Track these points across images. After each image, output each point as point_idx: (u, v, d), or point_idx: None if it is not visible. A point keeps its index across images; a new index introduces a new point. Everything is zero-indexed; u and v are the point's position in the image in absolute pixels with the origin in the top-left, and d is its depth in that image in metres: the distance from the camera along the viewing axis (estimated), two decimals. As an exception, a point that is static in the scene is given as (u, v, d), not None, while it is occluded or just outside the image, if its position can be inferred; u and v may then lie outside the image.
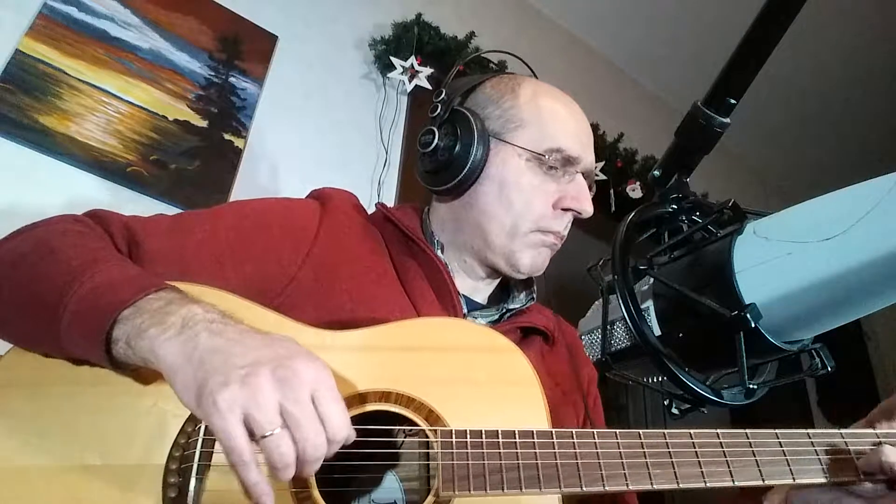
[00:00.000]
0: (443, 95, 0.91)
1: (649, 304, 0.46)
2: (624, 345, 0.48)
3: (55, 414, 0.59)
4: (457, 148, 0.86)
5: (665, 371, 0.43)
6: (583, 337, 0.53)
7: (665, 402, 0.47)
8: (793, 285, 0.40)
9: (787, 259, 0.40)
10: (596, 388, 0.97)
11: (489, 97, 0.91)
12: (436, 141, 0.87)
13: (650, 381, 0.49)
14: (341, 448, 0.54)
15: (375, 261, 0.84)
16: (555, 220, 0.86)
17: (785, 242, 0.41)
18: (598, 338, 0.50)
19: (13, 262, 0.64)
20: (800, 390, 2.91)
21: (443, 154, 0.87)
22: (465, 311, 0.86)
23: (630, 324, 0.44)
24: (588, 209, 0.86)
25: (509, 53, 1.11)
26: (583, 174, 0.88)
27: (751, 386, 0.43)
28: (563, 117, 0.89)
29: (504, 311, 0.90)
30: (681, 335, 0.45)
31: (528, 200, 0.85)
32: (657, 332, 0.45)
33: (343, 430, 0.52)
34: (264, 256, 0.77)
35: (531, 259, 0.87)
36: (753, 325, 0.39)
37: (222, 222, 0.79)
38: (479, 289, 0.93)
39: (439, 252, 0.89)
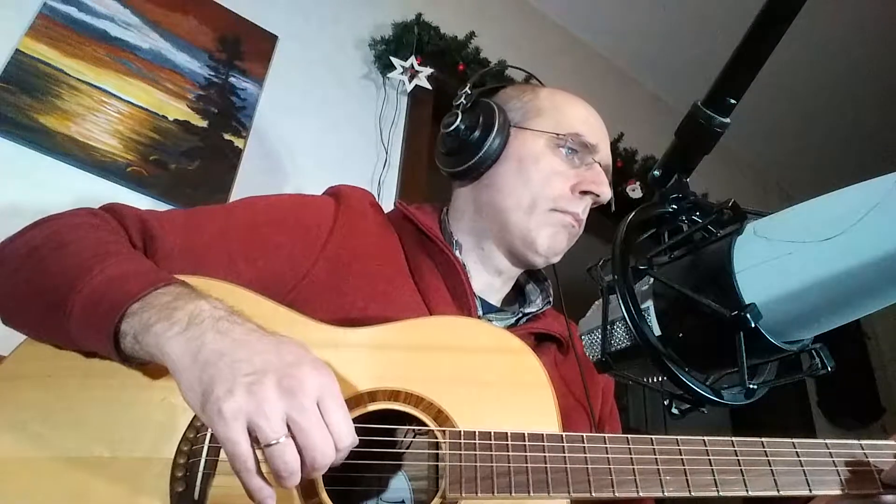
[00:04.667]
0: (467, 88, 0.93)
1: (649, 304, 0.46)
2: (624, 345, 0.48)
3: (66, 406, 0.60)
4: (478, 129, 0.88)
5: (665, 371, 0.43)
6: (583, 337, 0.53)
7: (665, 402, 0.47)
8: (793, 285, 0.39)
9: (787, 259, 0.40)
10: (612, 397, 0.96)
11: (510, 95, 0.96)
12: (458, 122, 0.88)
13: (650, 381, 0.49)
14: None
15: (390, 259, 0.84)
16: (573, 202, 0.87)
17: (785, 242, 0.40)
18: (598, 338, 0.50)
19: (27, 254, 0.65)
20: (800, 390, 2.91)
21: (464, 134, 0.88)
22: (480, 313, 0.86)
23: (630, 324, 0.44)
24: (607, 193, 0.89)
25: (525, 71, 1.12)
26: (600, 165, 0.91)
27: (751, 386, 0.42)
28: (580, 108, 0.94)
29: (520, 314, 0.90)
30: (681, 335, 0.44)
31: (547, 178, 0.87)
32: (657, 332, 0.45)
33: (347, 438, 0.52)
34: (277, 252, 0.76)
35: (549, 238, 0.87)
36: (753, 325, 0.39)
37: (236, 218, 0.79)
38: (494, 287, 0.92)
39: (457, 252, 0.88)
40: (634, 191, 2.35)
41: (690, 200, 0.50)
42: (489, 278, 0.91)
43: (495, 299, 0.93)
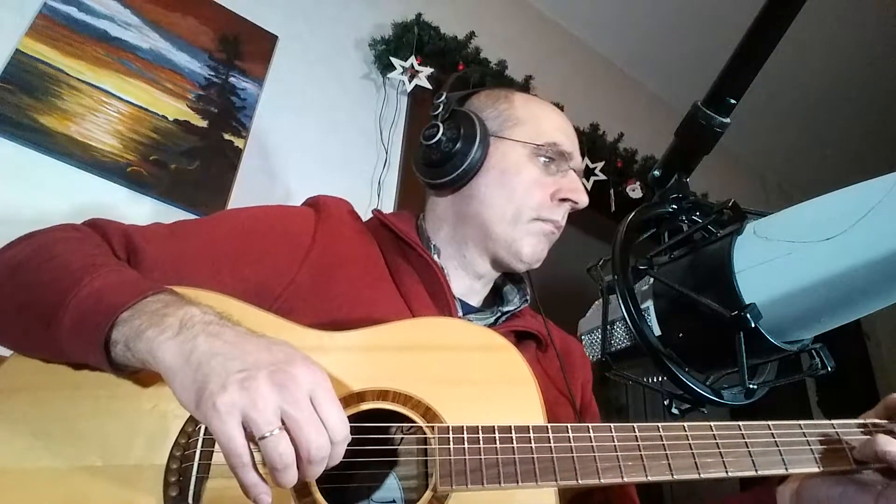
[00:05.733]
0: (443, 97, 0.94)
1: (649, 304, 0.46)
2: (624, 345, 0.48)
3: (57, 417, 0.60)
4: (460, 140, 0.89)
5: (665, 371, 0.43)
6: (583, 337, 0.53)
7: (665, 402, 0.47)
8: (793, 285, 0.39)
9: (787, 259, 0.40)
10: (591, 392, 0.99)
11: (484, 102, 0.97)
12: (440, 134, 0.89)
13: (650, 381, 0.49)
14: None
15: (371, 265, 0.86)
16: (553, 210, 0.91)
17: (785, 242, 0.41)
18: (598, 338, 0.50)
19: (12, 269, 0.65)
20: (800, 390, 2.91)
21: (446, 146, 0.89)
22: (460, 314, 0.87)
23: (630, 324, 0.44)
24: (584, 199, 0.92)
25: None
26: (574, 172, 0.94)
27: (751, 386, 0.42)
28: (554, 117, 0.96)
29: (499, 313, 0.92)
30: (681, 335, 0.44)
31: (529, 189, 0.89)
32: (657, 332, 0.45)
33: (342, 431, 0.53)
34: (261, 261, 0.78)
35: (532, 247, 0.90)
36: (753, 325, 0.39)
37: (219, 229, 0.80)
38: (474, 290, 0.95)
39: (435, 256, 0.90)
40: (634, 191, 2.35)
41: (690, 200, 0.50)
42: (470, 282, 0.94)
43: (475, 301, 0.95)
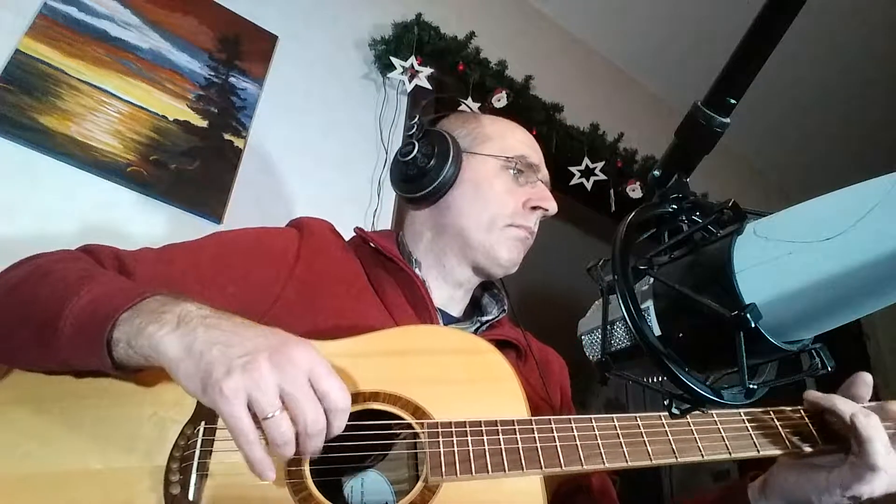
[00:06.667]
0: (416, 119, 1.02)
1: (649, 304, 0.46)
2: (624, 345, 0.48)
3: (58, 426, 0.62)
4: (434, 157, 0.95)
5: (665, 371, 0.43)
6: (582, 337, 0.53)
7: (665, 402, 0.47)
8: (793, 285, 0.39)
9: (787, 259, 0.40)
10: (570, 399, 1.03)
11: (455, 123, 1.04)
12: (416, 151, 0.95)
13: (650, 381, 0.49)
14: (334, 443, 0.58)
15: (354, 279, 0.90)
16: (526, 217, 0.97)
17: (785, 242, 0.40)
18: (597, 338, 0.50)
19: (11, 288, 0.68)
20: (800, 390, 2.91)
21: (422, 161, 0.95)
22: (441, 324, 0.90)
23: (630, 324, 0.44)
24: (553, 207, 0.98)
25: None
26: (542, 182, 1.00)
27: (751, 386, 0.43)
28: (520, 134, 1.03)
29: (478, 323, 0.97)
30: (681, 335, 0.44)
31: (502, 198, 0.96)
32: (657, 332, 0.45)
33: (343, 399, 0.56)
34: (248, 279, 0.81)
35: (508, 251, 0.95)
36: (753, 325, 0.39)
37: (205, 252, 0.84)
38: (454, 300, 0.99)
39: (416, 269, 0.94)
40: (634, 191, 2.35)
41: (690, 200, 0.50)
42: (451, 291, 0.98)
43: (456, 311, 0.99)
